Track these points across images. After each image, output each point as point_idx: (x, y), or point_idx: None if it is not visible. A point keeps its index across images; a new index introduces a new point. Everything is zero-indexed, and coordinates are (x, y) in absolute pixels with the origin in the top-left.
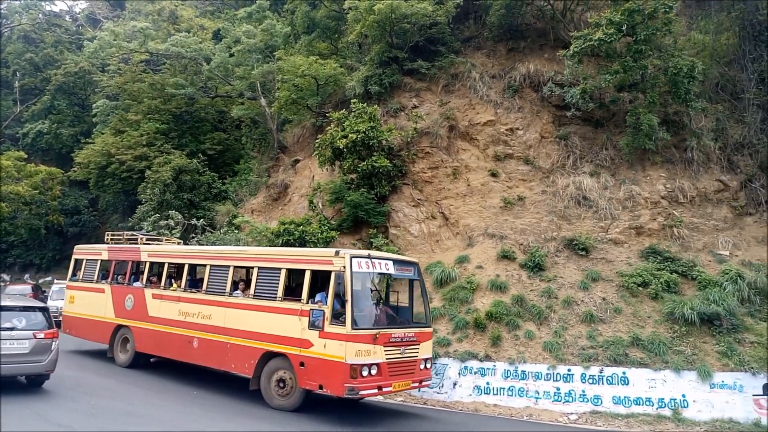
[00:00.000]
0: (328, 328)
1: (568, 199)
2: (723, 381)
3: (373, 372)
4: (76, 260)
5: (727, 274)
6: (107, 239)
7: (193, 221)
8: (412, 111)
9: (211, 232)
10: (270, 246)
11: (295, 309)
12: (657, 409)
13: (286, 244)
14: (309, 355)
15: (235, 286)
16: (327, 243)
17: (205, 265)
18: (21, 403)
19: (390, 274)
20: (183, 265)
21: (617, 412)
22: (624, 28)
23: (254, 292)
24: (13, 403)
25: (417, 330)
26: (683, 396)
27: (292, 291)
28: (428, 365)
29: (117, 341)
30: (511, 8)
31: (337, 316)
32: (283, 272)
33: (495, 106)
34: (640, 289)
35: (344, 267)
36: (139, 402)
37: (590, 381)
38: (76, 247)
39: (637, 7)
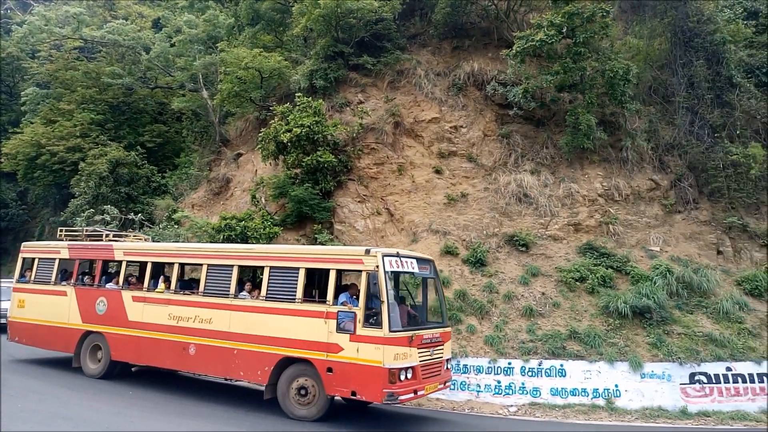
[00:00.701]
0: (361, 330)
1: (509, 197)
2: (653, 371)
3: (409, 375)
4: (25, 259)
5: (658, 269)
6: (60, 236)
7: (131, 216)
8: (358, 106)
9: (150, 227)
10: (211, 242)
11: (320, 311)
12: (592, 399)
13: (228, 239)
14: (338, 360)
15: (239, 287)
16: (270, 239)
17: (201, 265)
18: None
19: (413, 273)
20: (172, 264)
21: (555, 403)
22: (564, 30)
23: (266, 294)
24: None
25: (441, 330)
26: (616, 386)
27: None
28: (449, 365)
29: (85, 349)
30: (456, 7)
31: (368, 318)
32: (302, 272)
33: (440, 103)
34: (578, 283)
35: (378, 266)
36: (74, 405)
37: (529, 374)
38: (23, 244)
39: (576, 10)
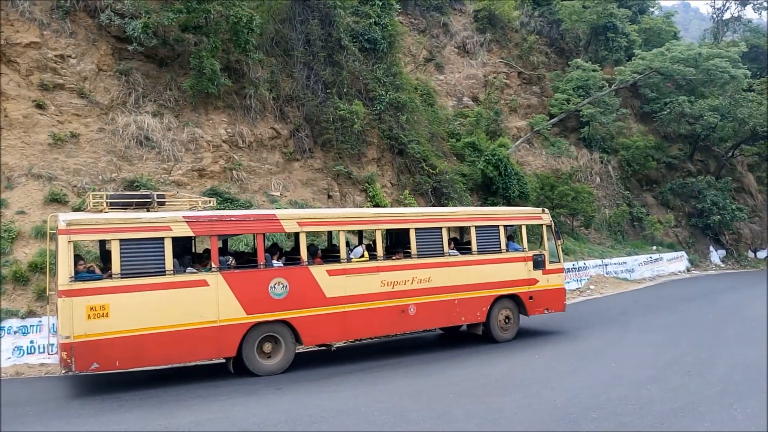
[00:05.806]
0: (549, 266)
1: (129, 139)
2: None
3: None
4: (77, 246)
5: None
6: (95, 204)
7: None
8: None
9: None
10: None
11: (521, 257)
12: None
13: None
14: (536, 290)
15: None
16: None
17: (407, 230)
18: None
19: None
20: (374, 231)
21: None
22: None
23: (477, 248)
24: None
25: None
26: None
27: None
28: None
29: (251, 346)
30: None
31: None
32: (501, 229)
33: (41, 26)
34: None
35: (550, 220)
36: None
37: None
38: (66, 221)
39: None
